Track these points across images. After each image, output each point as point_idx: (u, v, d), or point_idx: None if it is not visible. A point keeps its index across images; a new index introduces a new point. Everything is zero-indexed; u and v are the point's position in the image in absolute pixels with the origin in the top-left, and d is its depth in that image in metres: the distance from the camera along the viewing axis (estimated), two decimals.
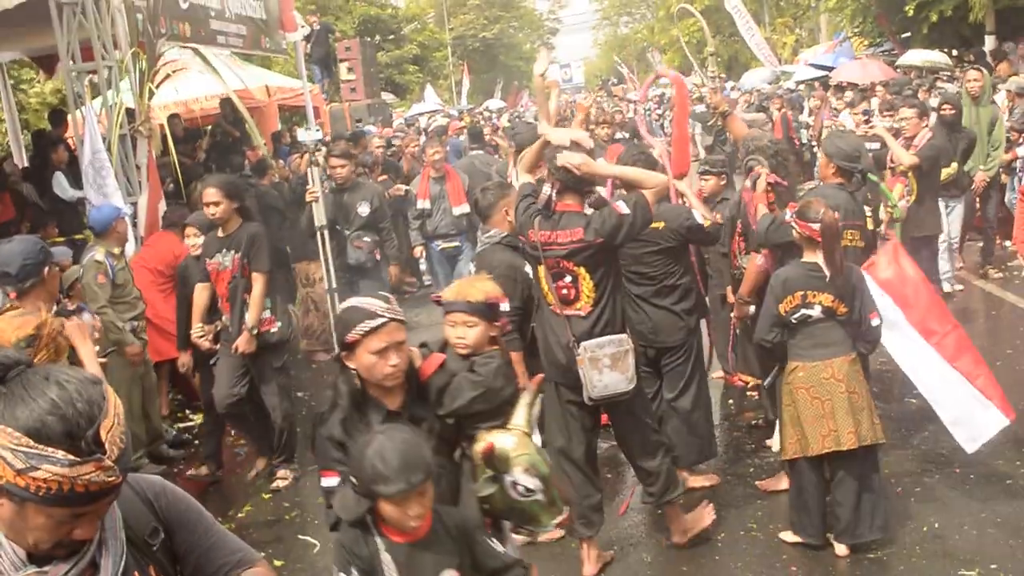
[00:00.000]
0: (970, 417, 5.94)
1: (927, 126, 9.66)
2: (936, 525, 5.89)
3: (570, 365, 5.29)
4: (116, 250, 7.95)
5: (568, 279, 5.28)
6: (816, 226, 5.35)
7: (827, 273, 5.40)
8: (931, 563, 5.51)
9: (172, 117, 12.76)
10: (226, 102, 13.94)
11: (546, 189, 5.28)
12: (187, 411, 9.47)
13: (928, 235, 9.49)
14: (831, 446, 5.42)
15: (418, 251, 11.81)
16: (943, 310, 6.14)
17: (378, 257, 9.76)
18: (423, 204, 11.45)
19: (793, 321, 5.47)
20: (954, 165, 10.02)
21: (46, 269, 5.06)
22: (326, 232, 9.78)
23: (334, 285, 9.88)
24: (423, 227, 11.54)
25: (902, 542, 5.70)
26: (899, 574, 5.43)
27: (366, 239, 9.63)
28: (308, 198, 9.64)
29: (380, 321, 3.40)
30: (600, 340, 5.21)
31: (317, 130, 9.92)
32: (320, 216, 9.67)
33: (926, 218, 9.44)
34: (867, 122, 12.09)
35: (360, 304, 3.49)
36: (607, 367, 5.20)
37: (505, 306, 5.15)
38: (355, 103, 21.57)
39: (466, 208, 10.85)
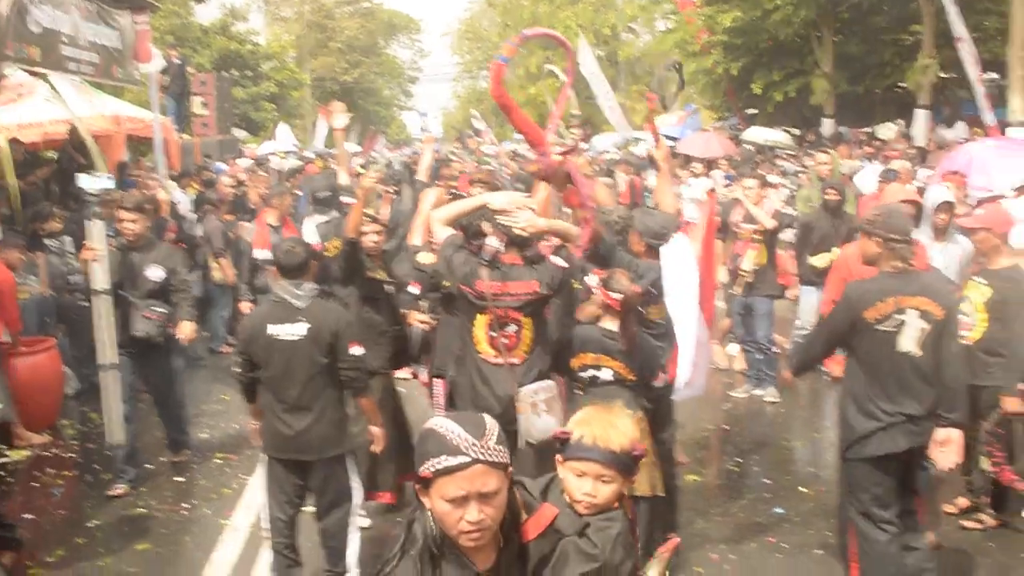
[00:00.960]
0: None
1: (766, 196, 10.15)
2: None
3: (503, 413, 5.36)
4: None
5: (512, 328, 5.53)
6: (618, 296, 5.54)
7: (621, 343, 5.61)
8: None
9: (12, 141, 12.34)
10: (74, 128, 13.57)
11: (493, 243, 5.52)
12: (2, 447, 9.13)
13: (770, 294, 10.13)
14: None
15: (245, 307, 10.64)
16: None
17: (172, 331, 8.14)
18: (261, 254, 10.65)
19: (584, 378, 5.66)
20: (835, 250, 9.65)
21: None
22: (107, 297, 7.89)
23: (114, 360, 7.90)
24: (253, 279, 10.87)
25: None
26: None
27: (157, 309, 7.98)
28: (84, 255, 7.88)
29: (460, 461, 2.57)
30: (534, 386, 5.46)
31: (109, 177, 8.53)
32: (102, 278, 7.85)
33: (770, 279, 10.12)
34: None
35: (440, 429, 2.64)
36: (544, 411, 5.43)
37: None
38: (206, 138, 21.26)
39: None
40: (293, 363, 5.60)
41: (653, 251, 6.39)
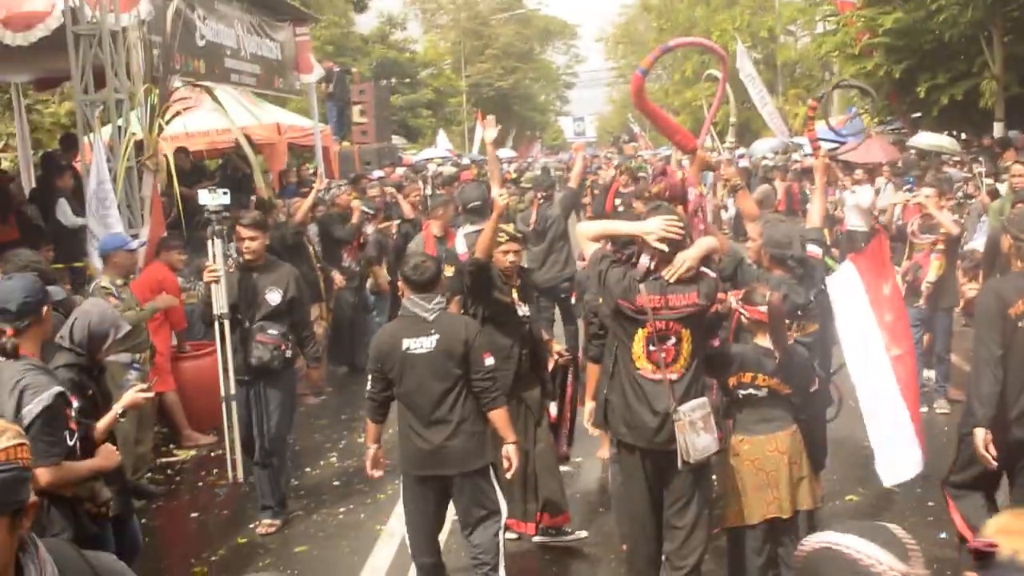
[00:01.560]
0: (896, 448, 5.84)
1: (945, 206, 9.64)
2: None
3: (659, 430, 5.32)
4: (119, 281, 8.02)
5: (671, 342, 5.37)
6: (763, 309, 5.56)
7: (776, 356, 5.62)
8: None
9: (179, 151, 12.80)
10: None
11: (645, 260, 5.35)
12: (171, 446, 9.48)
13: (948, 307, 9.69)
14: (775, 512, 5.63)
15: None
16: (906, 329, 6.00)
17: (288, 355, 7.57)
18: None
19: (740, 396, 5.68)
20: None
21: (44, 308, 5.02)
22: (226, 321, 7.70)
23: (231, 391, 7.83)
24: None
25: None
26: None
27: (271, 332, 7.38)
28: (206, 277, 7.70)
29: None
30: (692, 403, 5.30)
31: (225, 193, 8.16)
32: (222, 302, 7.66)
33: (951, 291, 9.66)
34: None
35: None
36: (702, 429, 5.30)
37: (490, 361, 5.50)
38: (365, 146, 21.69)
39: None
40: (427, 377, 5.61)
41: (779, 263, 6.22)
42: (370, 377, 5.83)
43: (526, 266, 7.34)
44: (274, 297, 7.48)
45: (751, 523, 5.66)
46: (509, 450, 5.76)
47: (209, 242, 7.94)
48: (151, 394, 5.57)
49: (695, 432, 5.25)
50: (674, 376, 5.34)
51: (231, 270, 7.69)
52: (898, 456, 5.79)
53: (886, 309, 5.91)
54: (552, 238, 10.52)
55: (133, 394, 5.29)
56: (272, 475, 7.54)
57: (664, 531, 5.65)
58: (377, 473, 6.01)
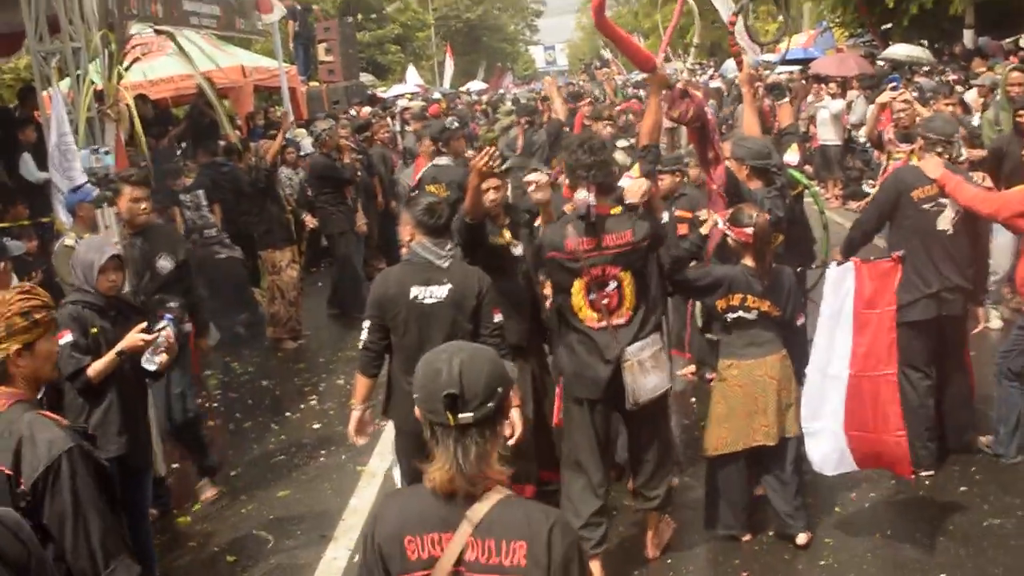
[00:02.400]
0: (825, 446, 5.61)
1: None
2: (889, 533, 5.92)
3: (613, 377, 5.23)
4: (85, 235, 7.89)
5: (612, 287, 5.23)
6: (749, 230, 5.52)
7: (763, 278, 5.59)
8: (882, 571, 5.55)
9: (140, 98, 12.55)
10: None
11: (583, 195, 5.17)
12: None
13: None
14: (761, 440, 5.59)
15: None
16: (889, 356, 5.63)
17: (187, 329, 6.84)
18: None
19: (728, 320, 5.63)
20: None
21: (0, 263, 4.97)
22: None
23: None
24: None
25: (854, 550, 5.74)
26: None
27: (172, 305, 6.24)
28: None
29: None
30: (640, 343, 5.22)
31: (106, 152, 7.31)
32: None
33: None
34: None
35: None
36: (651, 368, 5.23)
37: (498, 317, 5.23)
38: (333, 85, 21.44)
39: None
40: (433, 329, 5.14)
41: (762, 174, 6.11)
42: (367, 325, 5.35)
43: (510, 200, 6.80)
44: (165, 264, 6.91)
45: (735, 450, 5.63)
46: (513, 415, 5.00)
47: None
48: (148, 337, 5.10)
49: (644, 373, 5.18)
50: (621, 321, 5.25)
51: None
52: (829, 453, 5.60)
53: (867, 328, 5.64)
54: (538, 163, 10.43)
55: (132, 336, 5.10)
56: (195, 450, 7.45)
57: (632, 465, 5.66)
58: (361, 440, 5.56)
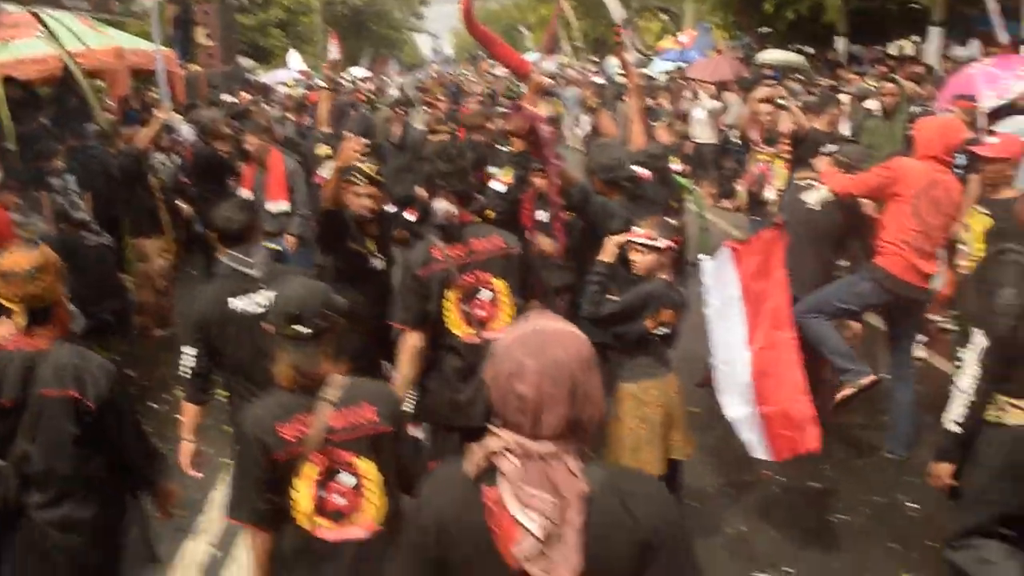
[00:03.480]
0: (746, 432, 5.78)
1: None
2: (743, 528, 6.13)
3: (477, 399, 4.97)
4: None
5: (487, 296, 5.04)
6: (670, 243, 5.34)
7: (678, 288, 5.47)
8: (735, 563, 5.74)
9: (7, 80, 12.15)
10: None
11: (444, 206, 5.04)
12: None
13: None
14: (680, 455, 5.47)
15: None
16: (785, 319, 5.83)
17: None
18: (276, 207, 9.57)
19: (654, 338, 5.33)
20: None
21: None
22: None
23: None
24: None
25: (709, 544, 5.92)
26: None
27: None
28: None
29: None
30: None
31: None
32: None
33: None
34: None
35: None
36: None
37: None
38: (212, 69, 21.08)
39: (285, 206, 9.43)
40: (262, 339, 4.57)
41: (613, 186, 6.08)
42: (191, 351, 5.04)
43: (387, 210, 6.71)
44: None
45: (661, 471, 5.34)
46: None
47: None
48: None
49: None
50: (497, 336, 5.14)
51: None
52: (751, 439, 5.77)
53: (759, 303, 5.80)
54: (413, 155, 10.39)
55: None
56: None
57: None
58: (197, 474, 5.28)
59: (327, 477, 3.46)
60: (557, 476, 2.36)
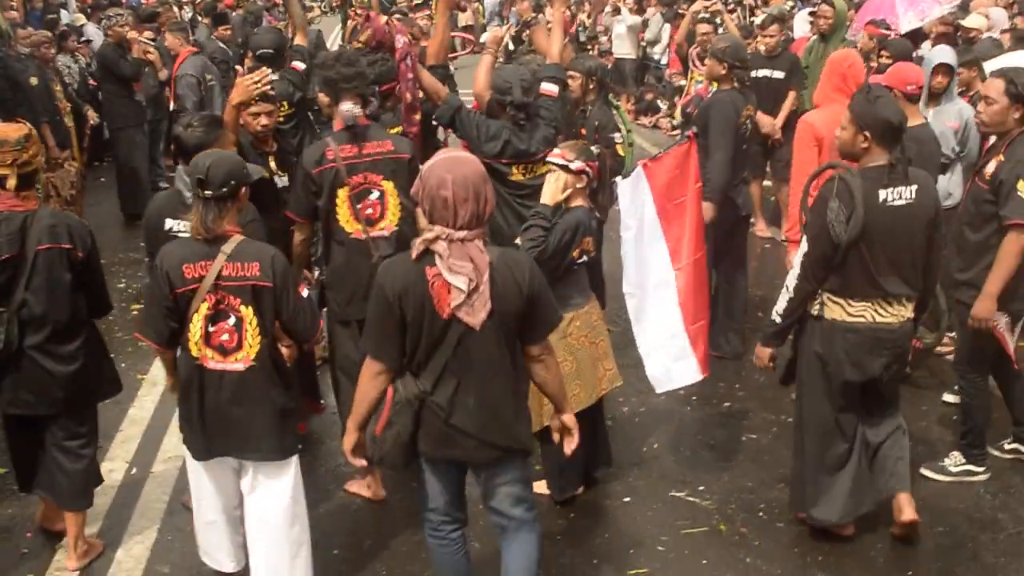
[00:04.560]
0: (667, 360, 5.75)
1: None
2: (655, 446, 6.28)
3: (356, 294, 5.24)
4: None
5: (374, 196, 5.27)
6: (595, 163, 5.22)
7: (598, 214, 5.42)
8: (647, 483, 5.88)
9: None
10: None
11: (349, 107, 5.24)
12: None
13: None
14: (608, 384, 5.51)
15: None
16: (699, 235, 5.88)
17: None
18: None
19: (575, 267, 5.22)
20: None
21: None
22: None
23: None
24: None
25: (622, 464, 6.05)
26: (616, 494, 5.78)
27: None
28: None
29: None
30: None
31: None
32: None
33: None
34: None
35: None
36: None
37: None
38: None
39: None
40: None
41: (501, 108, 5.95)
42: (150, 258, 4.99)
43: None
44: None
45: (586, 406, 5.33)
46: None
47: None
48: None
49: None
50: (384, 233, 5.29)
51: None
52: (672, 367, 5.75)
53: (677, 220, 5.76)
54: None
55: None
56: None
57: None
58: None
59: (216, 315, 4.20)
60: (472, 252, 3.67)
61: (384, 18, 5.74)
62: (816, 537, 5.32)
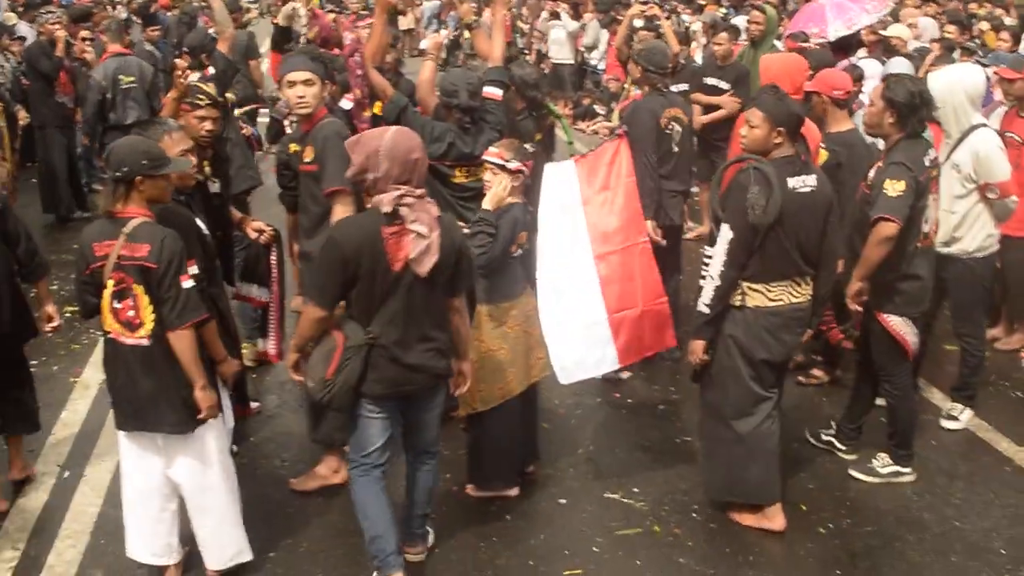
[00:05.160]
0: (581, 348, 5.83)
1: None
2: (591, 448, 6.33)
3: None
4: None
5: None
6: (529, 161, 5.47)
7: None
8: (582, 484, 5.94)
9: None
10: None
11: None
12: None
13: None
14: (538, 374, 5.67)
15: None
16: (635, 226, 6.04)
17: None
18: None
19: (510, 260, 5.43)
20: None
21: None
22: None
23: None
24: None
25: (557, 465, 6.10)
26: (552, 496, 5.83)
27: None
28: None
29: None
30: None
31: None
32: None
33: None
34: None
35: None
36: None
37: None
38: None
39: None
40: None
41: (448, 111, 6.09)
42: None
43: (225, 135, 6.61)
44: None
45: (518, 392, 5.52)
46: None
47: None
48: None
49: None
50: None
51: None
52: (585, 356, 5.82)
53: (603, 208, 5.93)
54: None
55: None
56: None
57: None
58: None
59: (120, 292, 4.45)
60: (428, 207, 4.40)
61: (331, 16, 5.76)
62: (748, 537, 5.43)
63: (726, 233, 5.08)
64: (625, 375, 7.13)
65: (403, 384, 4.58)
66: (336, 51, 6.51)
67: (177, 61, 6.05)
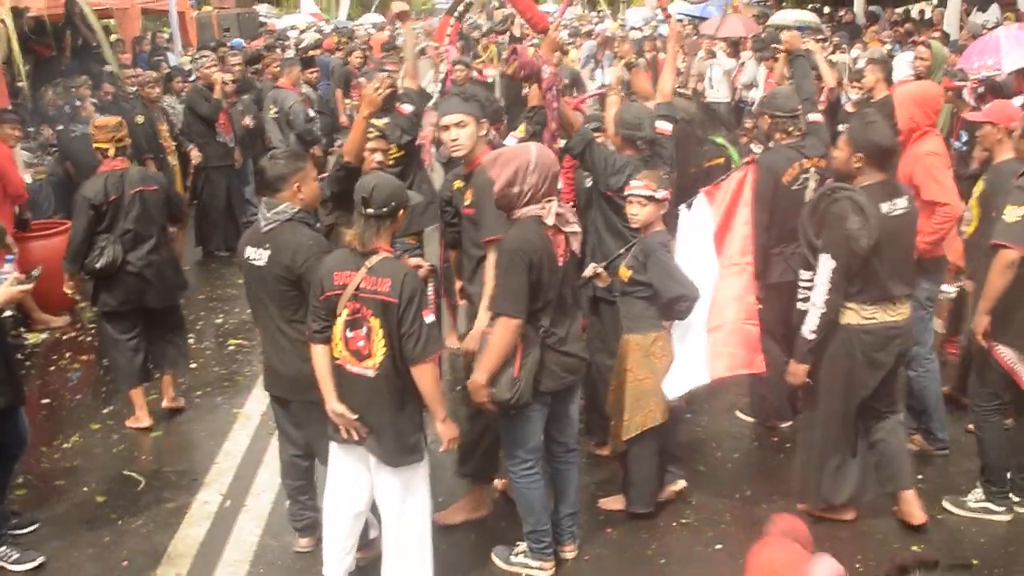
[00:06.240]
0: (681, 366, 5.66)
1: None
2: (748, 493, 6.13)
3: None
4: None
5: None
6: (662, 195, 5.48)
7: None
8: (739, 529, 5.68)
9: (16, 11, 11.88)
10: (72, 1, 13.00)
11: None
12: (22, 329, 9.17)
13: None
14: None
15: None
16: (744, 247, 5.91)
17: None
18: None
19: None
20: None
21: None
22: None
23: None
24: None
25: (714, 507, 5.94)
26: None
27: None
28: None
29: None
30: None
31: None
32: None
33: None
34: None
35: None
36: None
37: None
38: (224, 11, 20.91)
39: None
40: (262, 291, 5.10)
41: (629, 144, 6.03)
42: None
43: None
44: None
45: (661, 421, 5.57)
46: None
47: None
48: (29, 287, 5.17)
49: None
50: None
51: None
52: (678, 372, 5.63)
53: (727, 227, 5.88)
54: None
55: (8, 289, 5.12)
56: None
57: None
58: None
59: (353, 322, 4.54)
60: (564, 211, 4.85)
61: (531, 50, 5.77)
62: None
63: (828, 263, 5.19)
64: (785, 424, 6.86)
65: (572, 373, 4.98)
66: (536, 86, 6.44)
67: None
